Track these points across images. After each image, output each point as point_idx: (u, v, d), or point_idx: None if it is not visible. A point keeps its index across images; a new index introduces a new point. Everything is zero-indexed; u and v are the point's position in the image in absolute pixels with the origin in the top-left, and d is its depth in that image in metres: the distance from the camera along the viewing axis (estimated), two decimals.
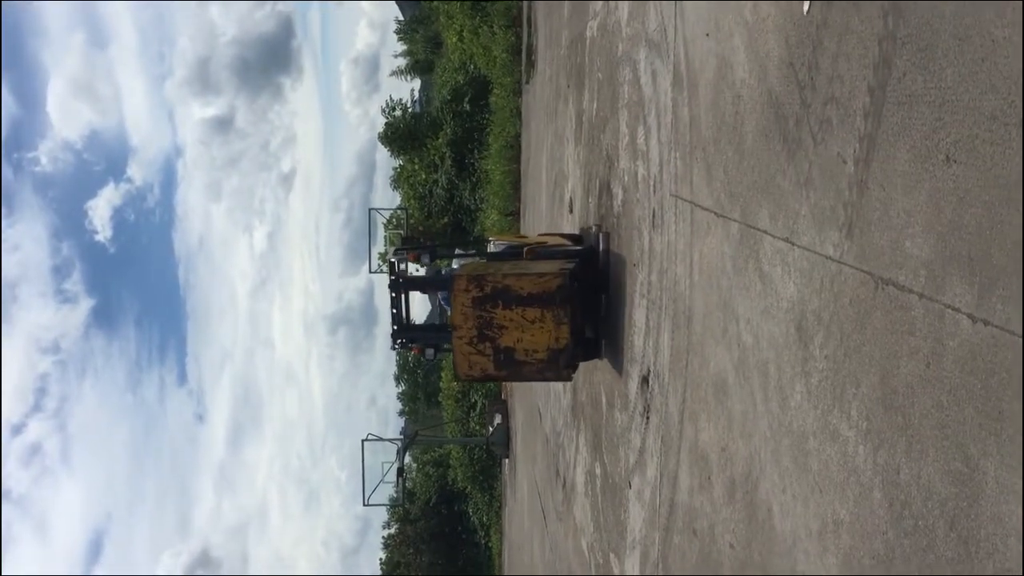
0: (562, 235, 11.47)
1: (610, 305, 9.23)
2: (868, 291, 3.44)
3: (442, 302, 12.03)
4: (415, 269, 12.10)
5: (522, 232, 23.86)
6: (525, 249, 10.04)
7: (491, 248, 11.76)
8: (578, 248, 10.09)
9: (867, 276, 3.45)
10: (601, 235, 9.58)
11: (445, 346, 10.84)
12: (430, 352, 11.17)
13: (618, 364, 8.69)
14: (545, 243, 10.63)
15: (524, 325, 8.23)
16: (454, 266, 12.31)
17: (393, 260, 11.09)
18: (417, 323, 11.99)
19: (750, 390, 4.82)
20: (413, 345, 11.22)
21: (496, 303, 8.32)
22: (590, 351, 9.54)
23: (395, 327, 10.93)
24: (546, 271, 8.51)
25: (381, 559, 47.80)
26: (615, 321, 8.83)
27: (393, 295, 10.81)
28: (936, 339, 2.94)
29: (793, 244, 4.22)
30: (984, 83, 2.72)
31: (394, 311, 10.86)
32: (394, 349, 11.27)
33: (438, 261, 13.32)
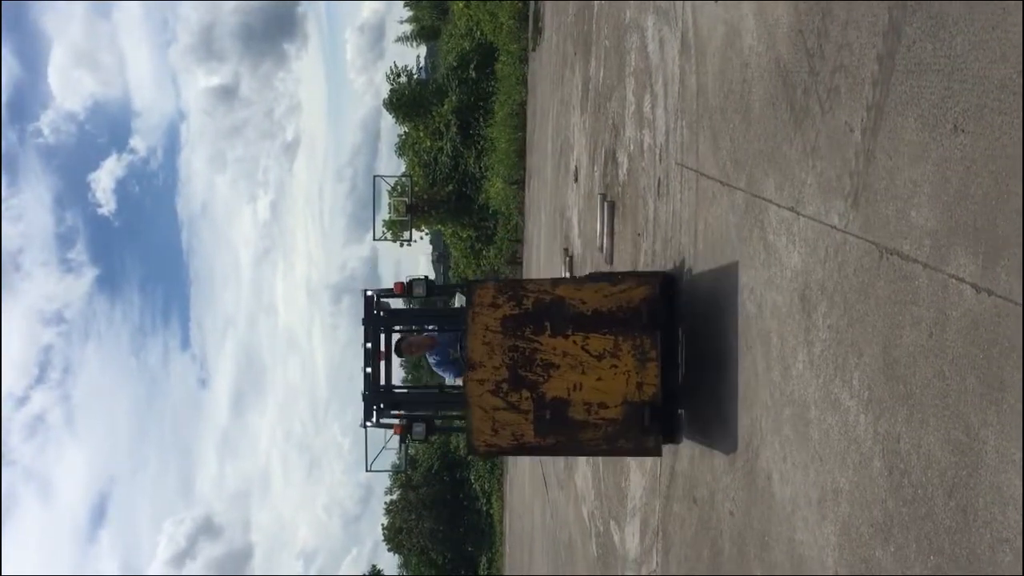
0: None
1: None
2: (872, 261, 3.44)
3: (433, 366, 7.69)
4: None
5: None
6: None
7: None
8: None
9: (872, 246, 3.44)
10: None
11: (439, 419, 7.25)
12: (419, 429, 6.91)
13: None
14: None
15: (586, 363, 5.40)
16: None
17: (371, 294, 6.97)
18: (399, 386, 7.56)
19: (752, 359, 4.83)
20: (394, 421, 7.03)
21: (541, 326, 5.51)
22: (666, 423, 6.06)
23: (367, 391, 6.89)
24: (622, 277, 5.78)
25: (383, 524, 48.25)
26: None
27: (367, 345, 6.88)
28: (939, 309, 2.94)
29: (798, 213, 4.21)
30: (994, 51, 2.69)
31: (367, 371, 6.85)
32: (364, 426, 7.10)
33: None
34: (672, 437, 6.20)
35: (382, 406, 6.81)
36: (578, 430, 5.46)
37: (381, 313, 6.85)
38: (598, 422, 5.43)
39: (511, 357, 5.56)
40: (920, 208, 3.09)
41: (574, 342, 5.47)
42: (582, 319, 5.50)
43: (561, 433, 5.49)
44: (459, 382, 7.09)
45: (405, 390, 8.07)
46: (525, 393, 5.50)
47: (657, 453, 5.66)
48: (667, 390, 5.81)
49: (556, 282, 5.66)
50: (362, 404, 6.87)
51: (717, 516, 5.37)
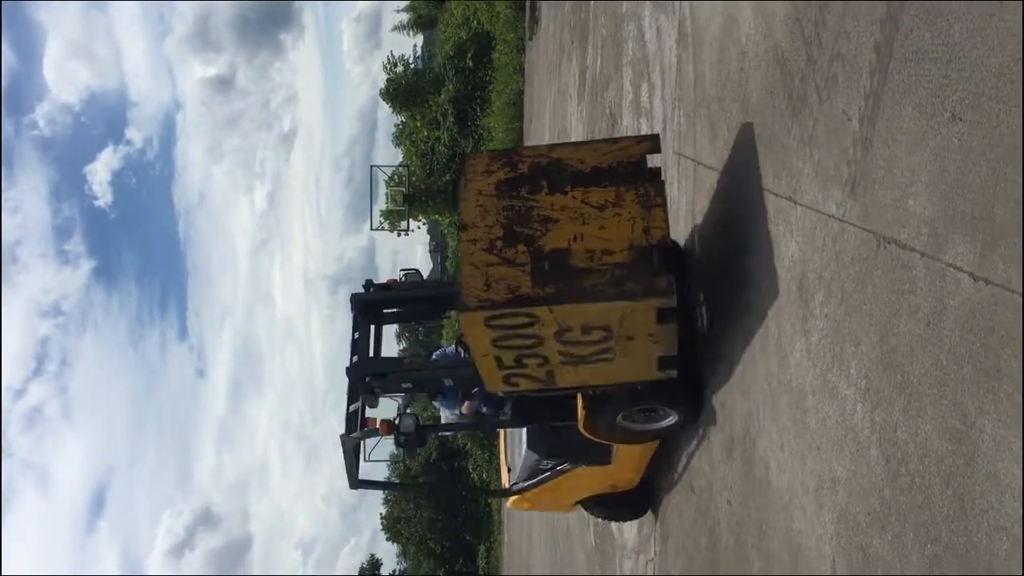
0: None
1: None
2: (870, 250, 3.43)
3: (441, 406, 6.86)
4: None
5: None
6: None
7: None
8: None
9: (869, 235, 3.44)
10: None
11: (444, 392, 6.55)
12: (409, 421, 6.17)
13: None
14: None
15: (587, 214, 5.03)
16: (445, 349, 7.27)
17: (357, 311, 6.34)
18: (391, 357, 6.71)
19: (749, 347, 4.82)
20: (380, 415, 6.33)
21: (538, 186, 5.20)
22: (693, 394, 5.85)
23: (355, 359, 6.23)
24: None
25: (381, 514, 48.29)
26: None
27: (356, 314, 6.34)
28: (936, 298, 2.94)
29: (796, 202, 4.20)
30: (992, 39, 2.69)
31: (356, 335, 6.30)
32: (348, 437, 6.35)
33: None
34: (697, 413, 5.89)
35: (368, 379, 6.16)
36: (581, 277, 4.88)
37: (371, 289, 6.42)
38: (603, 268, 4.87)
39: (506, 216, 5.15)
40: (918, 197, 3.08)
41: (573, 197, 5.11)
42: (581, 176, 5.18)
43: (562, 281, 4.91)
44: (462, 410, 6.69)
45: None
46: (521, 248, 5.02)
47: (670, 295, 4.77)
48: (690, 366, 5.52)
49: (553, 146, 5.41)
50: (355, 407, 6.23)
51: (715, 505, 5.38)
